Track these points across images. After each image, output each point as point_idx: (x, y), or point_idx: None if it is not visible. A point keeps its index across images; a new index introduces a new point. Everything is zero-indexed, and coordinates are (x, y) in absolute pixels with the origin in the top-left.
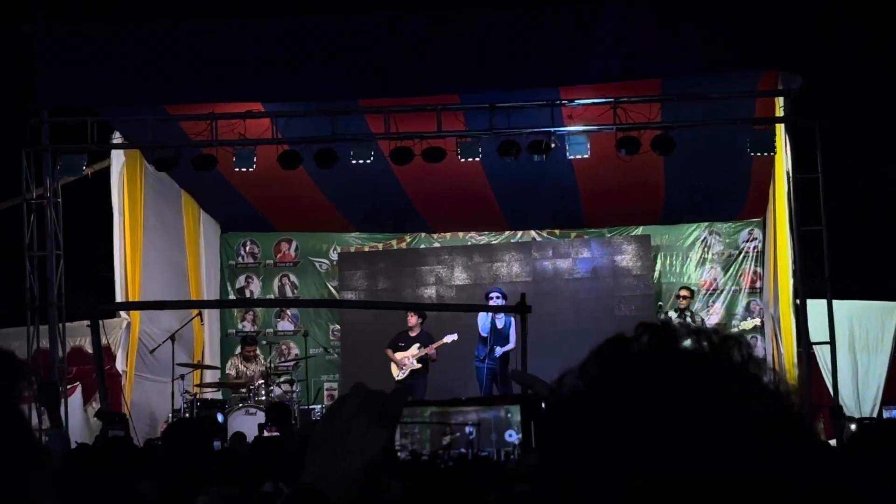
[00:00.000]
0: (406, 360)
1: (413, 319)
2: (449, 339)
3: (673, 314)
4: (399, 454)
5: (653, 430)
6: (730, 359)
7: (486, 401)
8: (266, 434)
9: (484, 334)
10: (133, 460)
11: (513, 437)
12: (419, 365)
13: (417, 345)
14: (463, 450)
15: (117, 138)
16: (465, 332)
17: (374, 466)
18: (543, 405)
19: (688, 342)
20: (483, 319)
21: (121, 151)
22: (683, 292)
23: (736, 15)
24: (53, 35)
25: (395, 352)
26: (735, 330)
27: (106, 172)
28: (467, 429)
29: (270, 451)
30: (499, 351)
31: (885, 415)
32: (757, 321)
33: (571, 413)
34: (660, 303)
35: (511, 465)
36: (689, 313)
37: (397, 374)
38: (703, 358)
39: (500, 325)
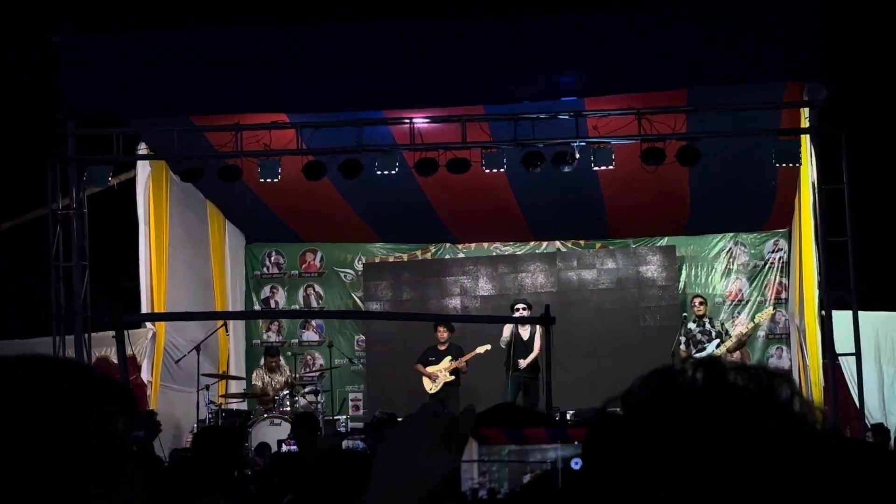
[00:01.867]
0: (439, 374)
1: (444, 334)
2: (482, 349)
3: (692, 324)
4: (478, 492)
5: (691, 463)
6: (776, 398)
7: (555, 434)
8: (285, 448)
9: (505, 347)
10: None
11: (578, 464)
12: (452, 377)
13: (449, 357)
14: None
15: (143, 149)
16: (493, 342)
17: (438, 490)
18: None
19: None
20: (507, 331)
21: (146, 162)
22: (698, 300)
23: (762, 25)
24: (80, 45)
25: (425, 366)
26: (751, 325)
27: (132, 183)
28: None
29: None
30: (521, 364)
31: None
32: (770, 310)
33: (614, 437)
34: (684, 314)
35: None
36: (707, 320)
37: (430, 387)
38: (750, 396)
39: (525, 336)
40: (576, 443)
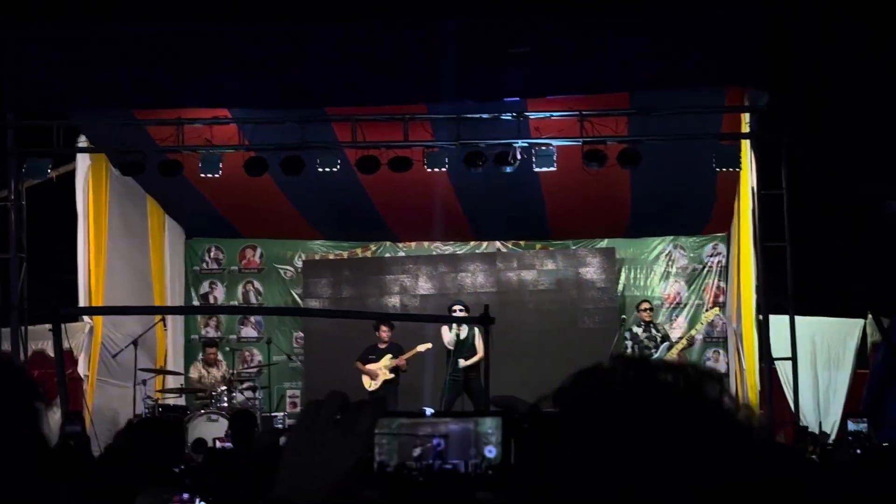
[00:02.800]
0: (379, 371)
1: (385, 333)
2: (422, 347)
3: (638, 329)
4: (386, 468)
5: (623, 458)
6: (704, 395)
7: (466, 414)
8: (220, 446)
9: (449, 347)
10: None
11: (492, 452)
12: (392, 375)
13: (389, 355)
14: (431, 461)
15: (83, 142)
16: (433, 341)
17: (349, 478)
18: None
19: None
20: (447, 332)
21: (86, 155)
22: (645, 305)
23: (705, 31)
24: (21, 37)
25: (365, 364)
26: (699, 326)
27: (71, 176)
28: (434, 441)
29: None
30: (461, 363)
31: (850, 427)
32: (716, 310)
33: (548, 434)
34: (623, 316)
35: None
36: (653, 326)
37: (370, 385)
38: (679, 393)
39: (462, 336)
40: (469, 421)
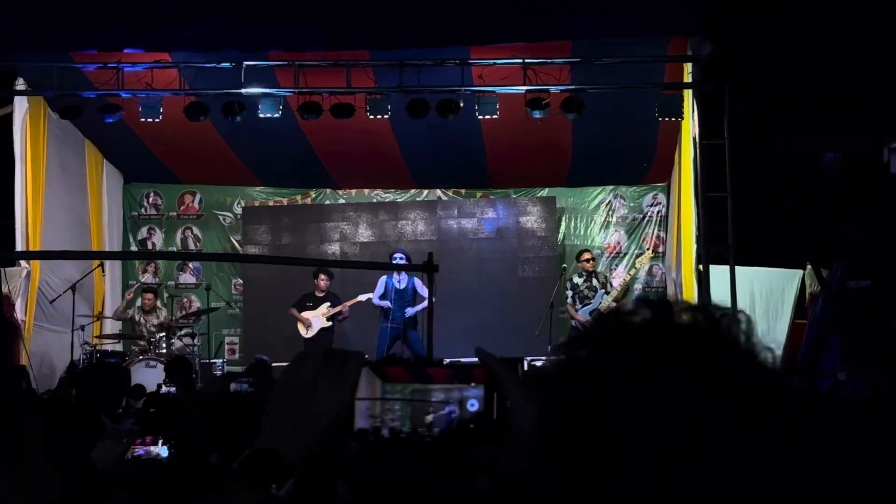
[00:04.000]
0: (314, 320)
1: (324, 283)
2: (363, 297)
3: (579, 279)
4: (381, 431)
5: (656, 403)
6: (728, 334)
7: (461, 373)
8: (164, 390)
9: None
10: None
11: (475, 406)
12: (329, 324)
13: (328, 304)
14: (443, 429)
15: (21, 85)
16: (371, 290)
17: (334, 428)
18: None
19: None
20: (384, 280)
21: (24, 98)
22: (587, 255)
23: None
24: None
25: (301, 311)
26: (633, 270)
27: (8, 119)
28: (448, 408)
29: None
30: (409, 311)
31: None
32: (650, 253)
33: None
34: (563, 265)
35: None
36: (594, 275)
37: (306, 332)
38: (702, 333)
39: (399, 286)
40: (473, 384)
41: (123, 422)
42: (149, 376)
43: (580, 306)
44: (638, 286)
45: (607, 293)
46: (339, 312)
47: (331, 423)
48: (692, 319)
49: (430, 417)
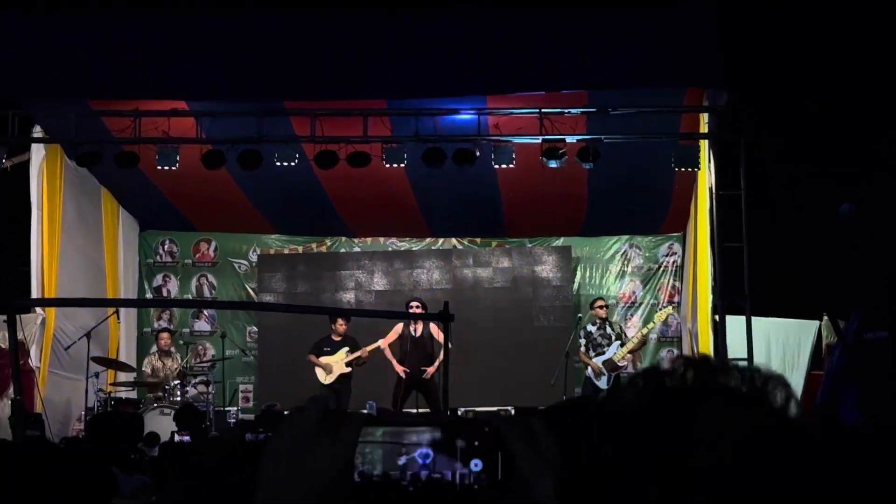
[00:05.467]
0: (334, 365)
1: (343, 326)
2: (383, 342)
3: (592, 327)
4: (371, 477)
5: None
6: (768, 400)
7: (450, 423)
8: (178, 439)
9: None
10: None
11: (478, 465)
12: (348, 369)
13: (346, 349)
14: (418, 472)
15: (38, 132)
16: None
17: (332, 487)
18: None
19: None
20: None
21: (41, 145)
22: (600, 303)
23: (663, 30)
24: None
25: (319, 356)
26: (651, 325)
27: (25, 166)
28: (422, 450)
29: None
30: (428, 373)
31: None
32: (669, 309)
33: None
34: (579, 315)
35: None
36: (608, 323)
37: (325, 378)
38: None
39: (417, 334)
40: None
41: (135, 477)
42: (163, 424)
43: (593, 354)
44: (653, 336)
45: (623, 344)
46: (359, 357)
47: (329, 483)
48: (732, 382)
49: (402, 460)
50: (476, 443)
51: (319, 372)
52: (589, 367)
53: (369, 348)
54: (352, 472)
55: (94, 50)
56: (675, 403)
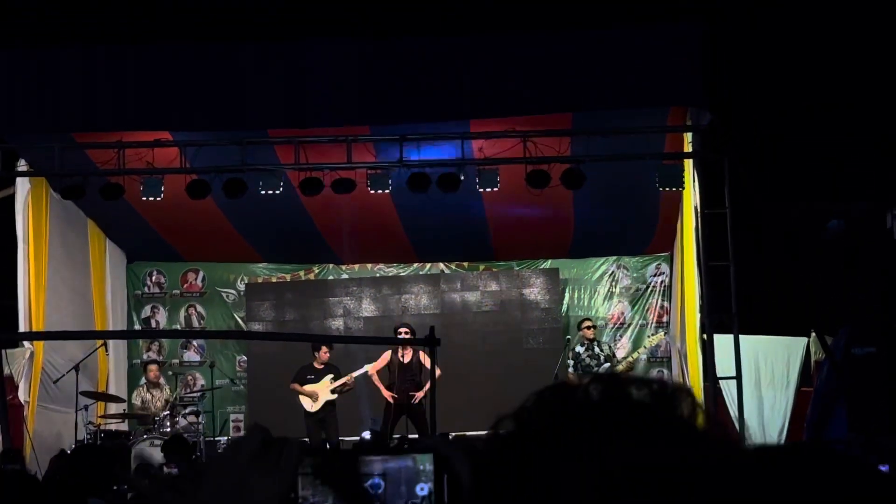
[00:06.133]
0: (320, 392)
1: (326, 355)
2: (369, 367)
3: (580, 348)
4: None
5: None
6: (676, 411)
7: (395, 450)
8: (167, 471)
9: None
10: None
11: (424, 490)
12: (334, 396)
13: (331, 376)
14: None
15: (22, 166)
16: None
17: None
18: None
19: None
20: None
21: (26, 179)
22: (587, 323)
23: (645, 50)
24: None
25: (302, 384)
26: (642, 349)
27: (10, 200)
28: (373, 480)
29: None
30: (416, 396)
31: None
32: (660, 335)
33: (507, 455)
34: (568, 336)
35: None
36: (596, 343)
37: (311, 406)
38: (648, 409)
39: (406, 360)
40: (408, 458)
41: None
42: (154, 455)
43: (582, 375)
44: (643, 357)
45: (613, 367)
46: (344, 384)
47: None
48: (640, 395)
49: None
50: (421, 467)
51: (305, 400)
52: None
53: (355, 374)
54: (292, 501)
55: (77, 82)
56: (581, 418)
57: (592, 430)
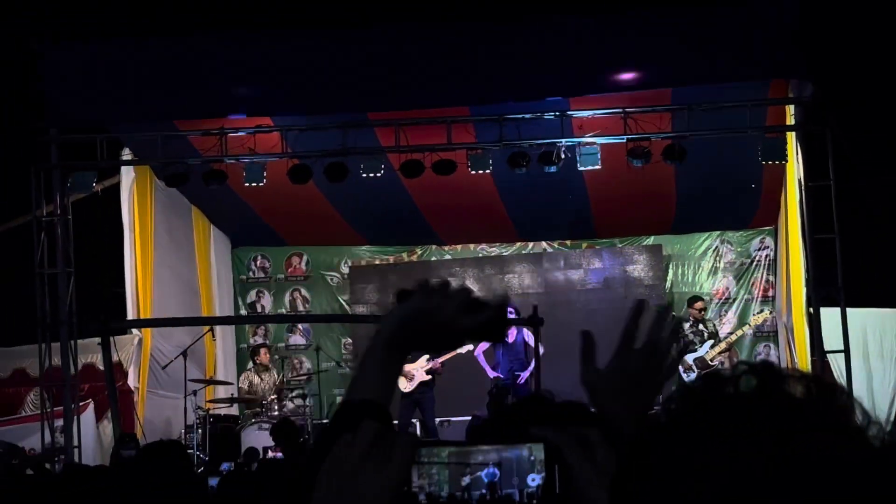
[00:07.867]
0: (415, 372)
1: None
2: (462, 349)
3: (686, 325)
4: (418, 496)
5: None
6: (833, 408)
7: (509, 440)
8: (270, 455)
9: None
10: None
11: (535, 480)
12: (429, 377)
13: (426, 356)
14: (484, 491)
15: (127, 155)
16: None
17: None
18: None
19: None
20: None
21: (131, 168)
22: (699, 304)
23: (745, 23)
24: (61, 53)
25: None
26: (747, 327)
27: (116, 189)
28: (489, 469)
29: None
30: (522, 376)
31: None
32: (767, 313)
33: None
34: (672, 313)
35: None
36: (701, 322)
37: (406, 387)
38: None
39: (509, 340)
40: (522, 448)
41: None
42: (262, 439)
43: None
44: (749, 332)
45: (715, 345)
46: (441, 365)
47: None
48: (795, 390)
49: (466, 479)
50: (533, 458)
51: (400, 380)
52: (679, 365)
53: (449, 355)
54: (406, 494)
55: (178, 71)
56: (733, 415)
57: (747, 423)
